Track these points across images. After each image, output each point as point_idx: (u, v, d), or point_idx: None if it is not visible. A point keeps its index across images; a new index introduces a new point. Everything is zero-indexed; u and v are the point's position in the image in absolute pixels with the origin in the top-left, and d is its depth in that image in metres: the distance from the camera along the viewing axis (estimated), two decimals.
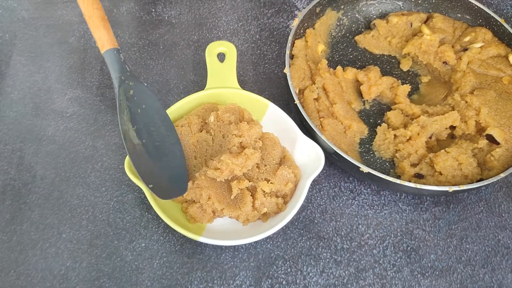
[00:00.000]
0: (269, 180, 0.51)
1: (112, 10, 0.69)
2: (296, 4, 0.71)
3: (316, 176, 0.51)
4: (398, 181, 0.49)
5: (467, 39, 0.63)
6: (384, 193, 0.56)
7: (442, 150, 0.54)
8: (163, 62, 0.65)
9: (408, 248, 0.53)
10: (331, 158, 0.54)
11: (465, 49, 0.62)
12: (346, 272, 0.51)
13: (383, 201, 0.56)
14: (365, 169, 0.50)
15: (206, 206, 0.49)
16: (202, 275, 0.50)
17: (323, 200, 0.55)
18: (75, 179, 0.55)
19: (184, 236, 0.51)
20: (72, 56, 0.64)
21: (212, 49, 0.59)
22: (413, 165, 0.55)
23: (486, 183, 0.50)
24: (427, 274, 0.52)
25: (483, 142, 0.54)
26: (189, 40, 0.67)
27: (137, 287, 0.49)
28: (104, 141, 0.57)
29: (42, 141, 0.57)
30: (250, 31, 0.68)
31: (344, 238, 0.53)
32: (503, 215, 0.56)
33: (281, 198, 0.51)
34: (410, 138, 0.56)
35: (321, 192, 0.56)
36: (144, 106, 0.50)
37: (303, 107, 0.55)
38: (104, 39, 0.51)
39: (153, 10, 0.69)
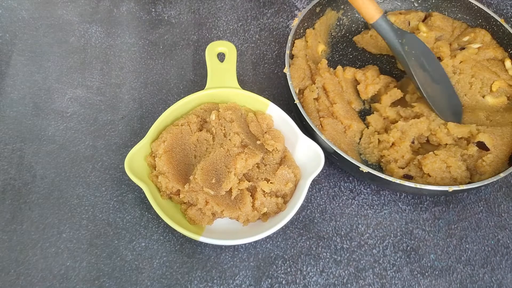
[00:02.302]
0: (269, 180, 0.51)
1: (112, 10, 0.69)
2: (295, 4, 0.71)
3: (316, 176, 0.51)
4: (398, 180, 0.49)
5: (465, 39, 0.63)
6: (384, 193, 0.56)
7: (431, 153, 0.53)
8: (163, 62, 0.65)
9: (408, 248, 0.53)
10: (331, 158, 0.54)
11: (462, 48, 0.62)
12: (346, 271, 0.51)
13: (383, 201, 0.56)
14: (365, 168, 0.50)
15: (205, 210, 0.49)
16: (202, 275, 0.50)
17: (323, 200, 0.55)
18: (75, 178, 0.55)
19: (184, 236, 0.51)
20: (72, 56, 0.64)
21: (212, 49, 0.59)
22: (401, 167, 0.55)
23: (486, 183, 0.50)
24: (426, 273, 0.52)
25: (473, 149, 0.54)
26: (189, 40, 0.67)
27: (137, 286, 0.49)
28: (104, 141, 0.57)
29: (42, 141, 0.57)
30: (249, 31, 0.68)
31: (344, 238, 0.53)
32: (503, 215, 0.56)
33: (281, 198, 0.51)
34: (393, 144, 0.55)
35: (321, 192, 0.56)
36: (414, 52, 0.58)
37: (303, 107, 0.55)
38: (373, 9, 0.56)
39: (153, 10, 0.69)
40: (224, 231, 0.50)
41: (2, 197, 0.53)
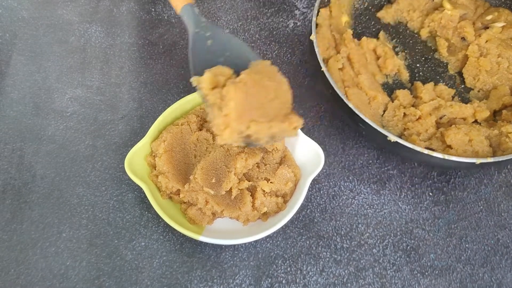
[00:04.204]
0: (269, 180, 0.51)
1: (112, 9, 0.69)
2: (295, 4, 0.71)
3: (316, 176, 0.51)
4: (426, 151, 0.48)
5: (489, 17, 0.62)
6: (384, 193, 0.56)
7: (453, 125, 0.53)
8: (163, 62, 0.65)
9: (408, 247, 0.53)
10: (358, 128, 0.52)
11: (486, 27, 0.61)
12: (346, 271, 0.51)
13: (383, 201, 0.56)
14: (392, 138, 0.49)
15: (205, 209, 0.49)
16: (202, 274, 0.50)
17: (323, 200, 0.55)
18: (75, 178, 0.55)
19: (184, 235, 0.51)
20: (72, 55, 0.64)
21: None
22: (423, 141, 0.54)
23: None
24: (426, 273, 0.52)
25: (501, 127, 0.53)
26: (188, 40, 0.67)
27: (137, 286, 0.49)
28: (104, 141, 0.57)
29: (42, 141, 0.57)
30: (249, 30, 0.68)
31: (343, 237, 0.53)
32: (503, 214, 0.56)
33: (281, 197, 0.51)
34: (419, 118, 0.55)
35: (321, 192, 0.56)
36: (228, 54, 0.49)
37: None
38: None
39: (153, 9, 0.69)
40: (224, 231, 0.50)
41: (2, 196, 0.53)
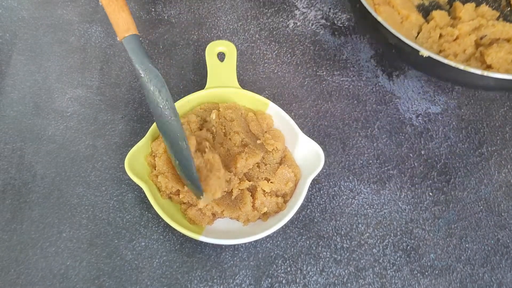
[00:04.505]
0: (269, 180, 0.51)
1: None
2: (295, 4, 0.71)
3: (316, 176, 0.51)
4: (462, 66, 0.44)
5: None
6: (384, 193, 0.56)
7: (495, 44, 0.49)
8: (163, 62, 0.65)
9: (408, 247, 0.53)
10: (388, 48, 0.49)
11: None
12: (346, 271, 0.51)
13: (383, 201, 0.56)
14: (425, 53, 0.45)
15: (205, 210, 0.49)
16: (202, 274, 0.50)
17: (323, 200, 0.55)
18: (75, 178, 0.55)
19: (184, 235, 0.51)
20: (72, 55, 0.64)
21: (212, 49, 0.59)
22: (459, 62, 0.49)
23: None
24: (426, 273, 0.52)
25: None
26: (188, 40, 0.67)
27: (137, 286, 0.49)
28: (104, 141, 0.58)
29: (42, 141, 0.57)
30: (249, 30, 0.68)
31: (344, 237, 0.53)
32: (503, 214, 0.56)
33: (281, 197, 0.51)
34: (457, 38, 0.51)
35: (321, 192, 0.56)
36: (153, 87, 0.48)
37: None
38: (129, 23, 0.47)
39: (153, 9, 0.69)
40: (224, 231, 0.50)
41: (2, 196, 0.53)
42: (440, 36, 0.52)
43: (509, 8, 0.57)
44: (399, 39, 0.45)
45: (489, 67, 0.48)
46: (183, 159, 0.47)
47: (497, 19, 0.55)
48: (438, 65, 0.45)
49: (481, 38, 0.51)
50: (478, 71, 0.43)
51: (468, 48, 0.51)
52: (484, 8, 0.55)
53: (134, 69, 0.48)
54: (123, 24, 0.47)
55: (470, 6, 0.55)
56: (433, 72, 0.50)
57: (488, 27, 0.51)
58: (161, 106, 0.47)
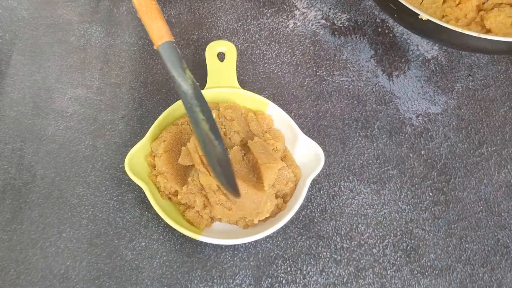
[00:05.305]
0: None
1: (112, 9, 0.69)
2: (295, 4, 0.71)
3: (316, 176, 0.51)
4: (459, 29, 0.45)
5: None
6: (384, 193, 0.56)
7: (495, 8, 0.50)
8: (163, 62, 0.64)
9: (408, 247, 0.53)
10: (387, 9, 0.49)
11: None
12: (346, 271, 0.51)
13: (383, 201, 0.56)
14: (424, 16, 0.46)
15: (203, 213, 0.49)
16: (202, 274, 0.50)
17: (323, 200, 0.55)
18: (75, 178, 0.55)
19: (184, 235, 0.51)
20: (72, 55, 0.64)
21: (212, 49, 0.59)
22: (461, 26, 0.51)
23: None
24: (426, 273, 0.52)
25: None
26: (188, 40, 0.67)
27: (137, 286, 0.49)
28: (104, 141, 0.58)
29: (42, 141, 0.57)
30: (249, 30, 0.68)
31: (343, 238, 0.53)
32: (503, 214, 0.56)
33: (281, 197, 0.51)
34: (459, 3, 0.52)
35: (321, 192, 0.56)
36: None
37: None
38: (163, 30, 0.46)
39: None
40: (224, 231, 0.50)
41: (2, 196, 0.53)
42: (444, 1, 0.53)
43: None
44: (400, 3, 0.46)
45: (488, 31, 0.50)
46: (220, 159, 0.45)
47: None
48: (437, 29, 0.46)
49: (483, 3, 0.52)
50: (475, 34, 0.45)
51: (470, 13, 0.52)
52: None
53: (169, 75, 0.47)
54: (158, 32, 0.46)
55: None
56: (433, 36, 0.51)
57: None
58: (198, 117, 0.45)
